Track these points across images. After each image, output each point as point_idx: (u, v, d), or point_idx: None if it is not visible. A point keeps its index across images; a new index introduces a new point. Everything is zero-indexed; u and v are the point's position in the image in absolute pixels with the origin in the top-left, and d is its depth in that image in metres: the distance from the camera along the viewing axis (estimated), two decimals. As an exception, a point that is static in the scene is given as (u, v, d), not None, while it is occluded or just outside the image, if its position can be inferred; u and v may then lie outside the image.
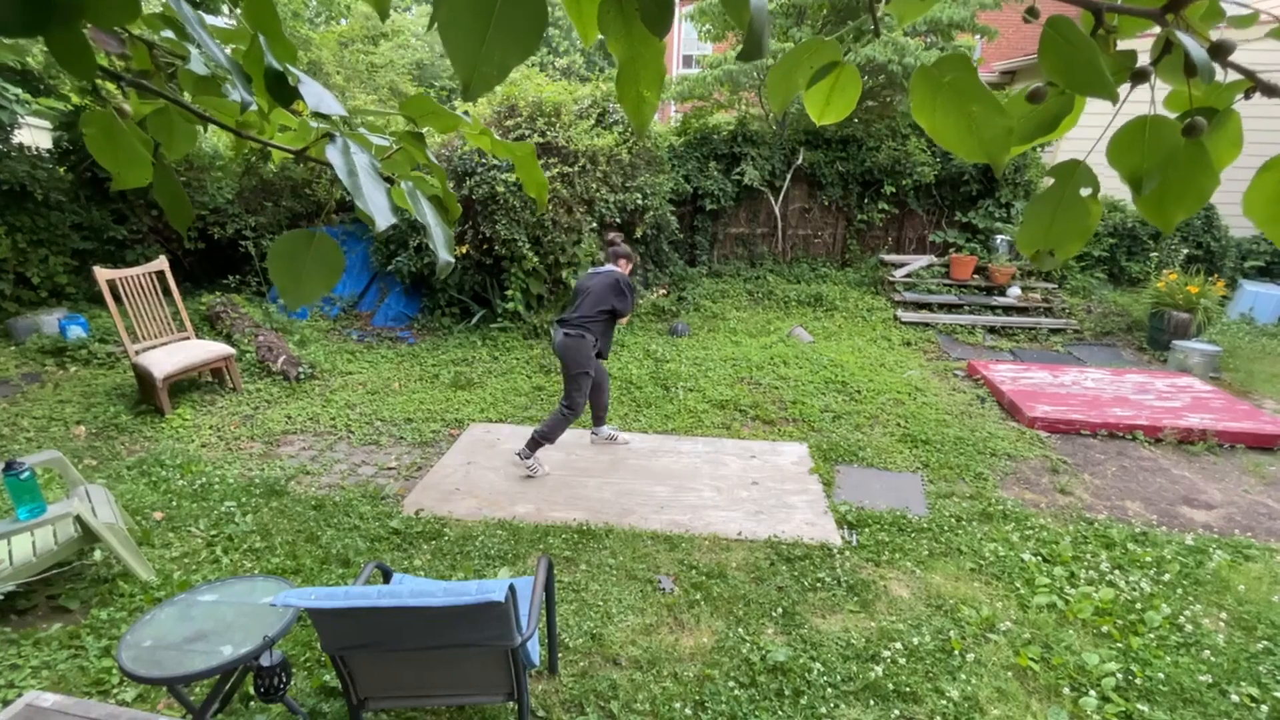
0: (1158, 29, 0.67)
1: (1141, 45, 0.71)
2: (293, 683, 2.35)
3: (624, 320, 3.98)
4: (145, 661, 1.91)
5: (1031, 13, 0.75)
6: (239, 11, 0.83)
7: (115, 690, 2.41)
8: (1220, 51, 0.63)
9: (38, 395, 4.86)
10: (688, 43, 15.16)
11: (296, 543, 3.28)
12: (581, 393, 3.85)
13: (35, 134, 7.69)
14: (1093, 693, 2.45)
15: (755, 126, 8.11)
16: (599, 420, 4.35)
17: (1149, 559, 3.23)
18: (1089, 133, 0.76)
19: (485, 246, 6.26)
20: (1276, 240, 0.72)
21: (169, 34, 0.88)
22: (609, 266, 3.93)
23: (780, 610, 2.85)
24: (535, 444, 3.88)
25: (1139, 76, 0.71)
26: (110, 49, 0.88)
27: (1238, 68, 0.66)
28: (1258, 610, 2.89)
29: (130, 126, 0.90)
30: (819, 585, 3.01)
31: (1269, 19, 0.63)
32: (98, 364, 5.46)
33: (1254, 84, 0.66)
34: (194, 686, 2.35)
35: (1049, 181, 0.80)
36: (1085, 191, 0.77)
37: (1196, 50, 0.62)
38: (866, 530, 3.43)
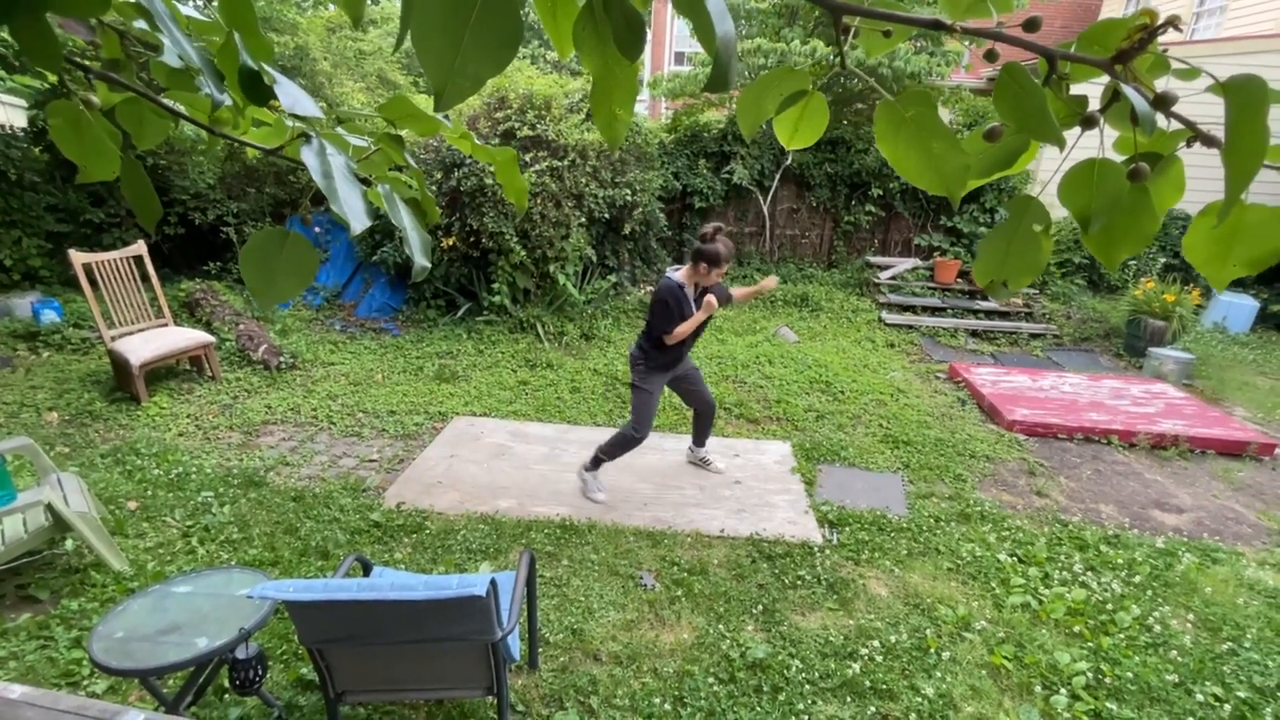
0: (1108, 77, 0.70)
1: (1094, 90, 0.74)
2: (269, 676, 2.32)
3: (671, 338, 3.27)
4: (117, 653, 1.88)
5: (990, 56, 0.78)
6: (214, 5, 0.81)
7: (86, 682, 2.37)
8: (1163, 103, 0.67)
9: (9, 380, 4.75)
10: (680, 40, 15.15)
11: (275, 534, 3.24)
12: (634, 409, 3.49)
13: (9, 112, 7.49)
14: (1063, 691, 2.51)
15: (745, 125, 8.12)
16: (695, 439, 4.03)
17: (1120, 561, 3.30)
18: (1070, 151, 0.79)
19: (472, 239, 6.21)
20: (1211, 279, 0.76)
21: (142, 24, 0.86)
22: (670, 271, 3.37)
23: (760, 607, 2.87)
24: (596, 461, 3.65)
25: (1088, 122, 0.74)
26: (79, 35, 0.86)
27: (1179, 118, 0.69)
28: (1223, 612, 2.97)
29: (97, 118, 0.88)
30: (799, 583, 3.04)
31: (1209, 76, 0.66)
32: (71, 349, 5.34)
33: (1194, 134, 0.70)
34: (167, 679, 2.32)
35: (1032, 188, 0.82)
36: (1037, 227, 0.80)
37: (1140, 101, 0.66)
38: (847, 529, 3.47)
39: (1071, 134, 0.74)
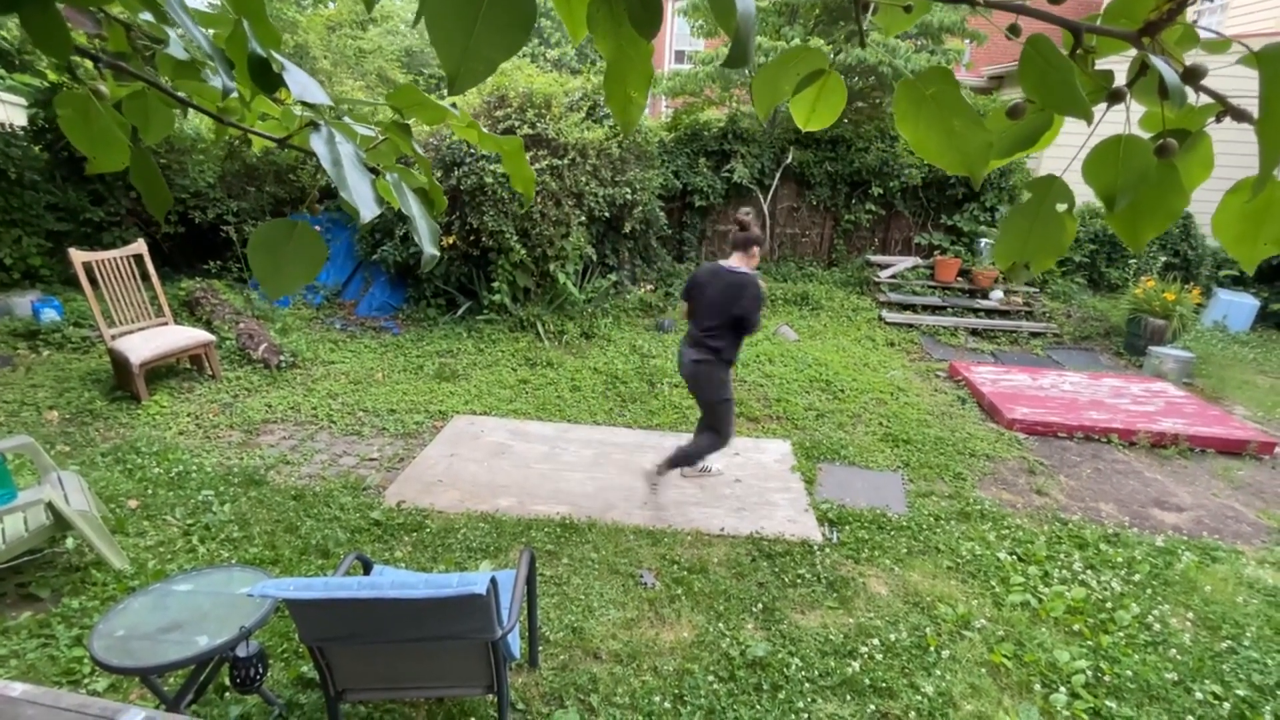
0: (1134, 51, 0.69)
1: (1119, 65, 0.73)
2: (269, 674, 2.33)
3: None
4: (118, 651, 1.88)
5: (1013, 30, 0.76)
6: None
7: (86, 680, 2.37)
8: (1192, 76, 0.65)
9: (9, 379, 4.75)
10: (680, 38, 15.13)
11: (275, 533, 3.24)
12: (724, 422, 3.44)
13: (10, 111, 7.48)
14: (1063, 689, 2.51)
15: (746, 124, 8.13)
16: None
17: (1120, 559, 3.31)
18: (1074, 139, 0.77)
19: (472, 238, 6.21)
20: (1242, 259, 0.74)
21: (147, 16, 0.86)
22: (732, 263, 3.26)
23: (760, 606, 2.87)
24: (674, 463, 3.54)
25: (1115, 97, 0.72)
26: (85, 29, 0.86)
27: (1209, 91, 0.67)
28: (1223, 610, 2.97)
29: (107, 108, 0.88)
30: (799, 581, 3.04)
31: (1240, 47, 0.64)
32: (72, 348, 5.34)
33: (1224, 108, 0.68)
34: (168, 677, 2.32)
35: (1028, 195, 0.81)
36: (1061, 206, 0.78)
37: (1169, 74, 0.64)
38: (847, 528, 3.47)
39: (1078, 121, 0.72)
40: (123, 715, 1.16)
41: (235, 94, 0.79)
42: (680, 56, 15.36)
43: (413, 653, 1.93)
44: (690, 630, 2.73)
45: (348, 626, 1.80)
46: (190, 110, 0.96)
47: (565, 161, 6.12)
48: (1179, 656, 2.69)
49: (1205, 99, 0.69)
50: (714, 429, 3.49)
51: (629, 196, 6.66)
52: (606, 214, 6.61)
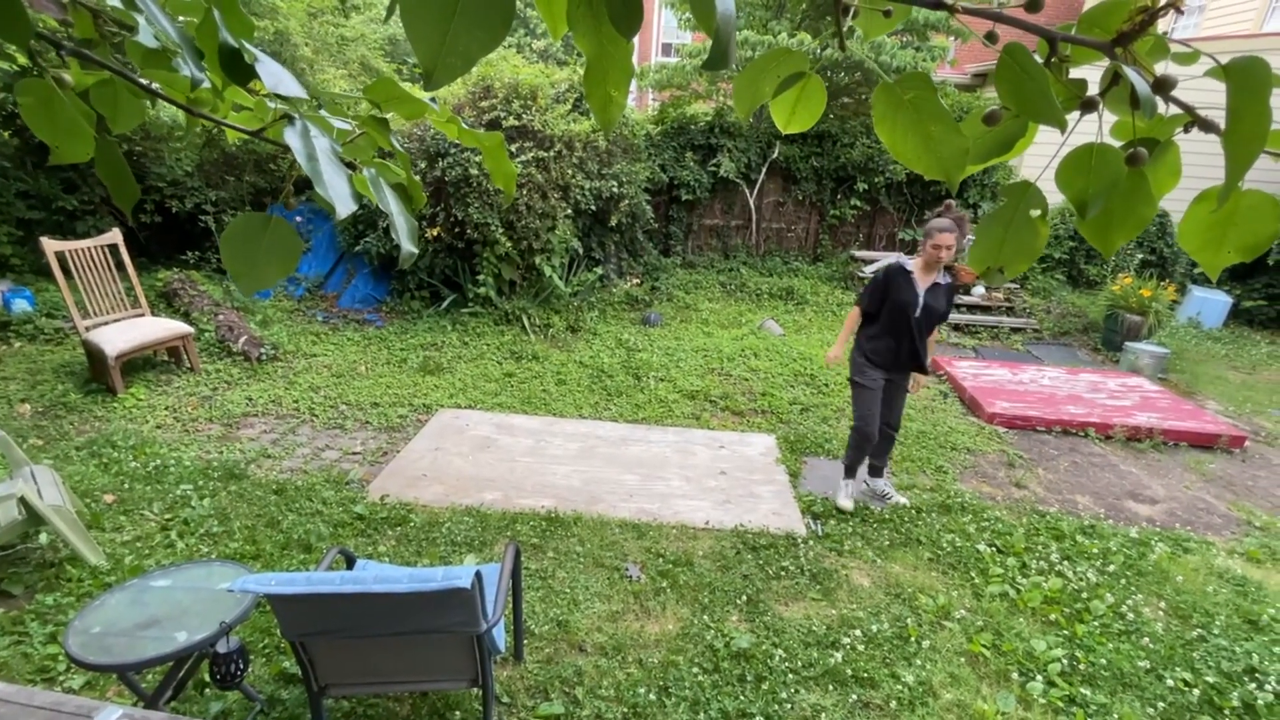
0: (1107, 60, 0.70)
1: (1093, 74, 0.74)
2: (250, 670, 2.30)
3: (931, 340, 3.38)
4: (94, 648, 1.85)
5: (990, 37, 0.77)
6: None
7: (61, 678, 2.33)
8: (1163, 86, 0.66)
9: (-21, 371, 4.63)
10: (667, 30, 15.07)
11: (256, 527, 3.20)
12: (855, 405, 3.54)
13: (-23, 95, 7.25)
14: (1039, 678, 2.56)
15: (732, 118, 8.12)
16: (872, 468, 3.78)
17: (1095, 550, 3.38)
18: (1054, 140, 0.78)
19: (457, 230, 6.15)
20: (1206, 266, 0.76)
21: (115, 2, 0.84)
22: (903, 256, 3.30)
23: (745, 598, 2.89)
24: (847, 469, 3.63)
25: (1088, 105, 0.73)
26: (50, 13, 0.83)
27: (1178, 102, 0.69)
28: (1193, 600, 3.05)
29: (70, 97, 0.85)
30: (783, 574, 3.07)
31: (1208, 60, 0.66)
32: (44, 340, 5.22)
33: (1192, 118, 0.69)
34: (146, 674, 2.29)
35: (1018, 181, 0.82)
36: (1035, 212, 0.79)
37: (1141, 84, 0.65)
38: (830, 520, 3.50)
39: (1057, 131, 0.73)
40: (99, 713, 1.15)
41: (206, 84, 0.77)
42: (667, 49, 15.30)
43: (397, 647, 1.92)
44: (675, 623, 2.75)
45: (331, 621, 1.79)
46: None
47: (551, 154, 6.08)
48: (1151, 645, 2.76)
49: (1175, 109, 0.70)
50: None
51: (615, 190, 6.63)
52: (593, 207, 6.58)
